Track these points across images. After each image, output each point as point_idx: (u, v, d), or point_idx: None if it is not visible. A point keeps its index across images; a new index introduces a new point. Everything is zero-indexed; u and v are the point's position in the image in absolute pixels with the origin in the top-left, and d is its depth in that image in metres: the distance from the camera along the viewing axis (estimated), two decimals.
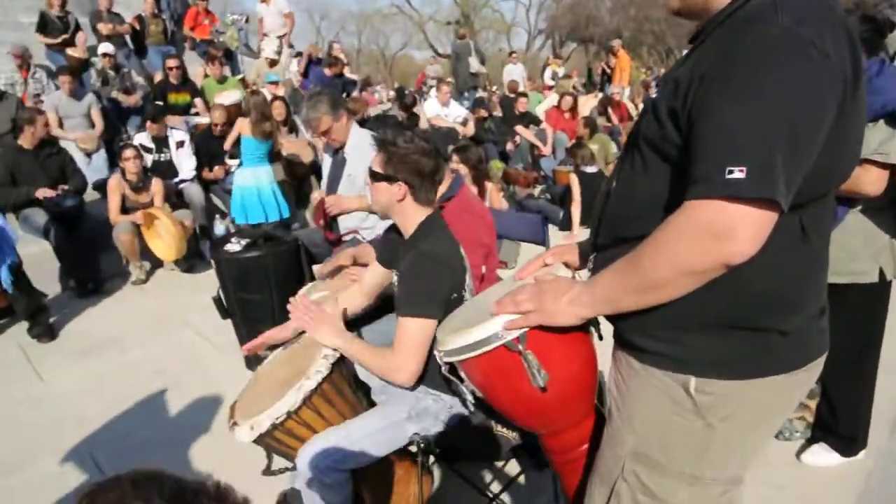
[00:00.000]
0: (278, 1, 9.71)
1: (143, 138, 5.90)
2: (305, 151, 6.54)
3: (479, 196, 4.71)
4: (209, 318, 3.77)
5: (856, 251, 2.18)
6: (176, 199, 5.79)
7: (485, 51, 40.29)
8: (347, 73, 10.69)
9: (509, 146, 8.59)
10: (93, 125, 6.78)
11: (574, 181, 6.27)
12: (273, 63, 8.77)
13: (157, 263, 5.57)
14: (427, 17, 39.77)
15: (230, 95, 6.82)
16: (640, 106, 10.16)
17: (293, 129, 7.05)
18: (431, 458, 2.16)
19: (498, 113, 9.39)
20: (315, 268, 3.63)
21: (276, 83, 8.14)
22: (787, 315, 1.12)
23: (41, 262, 5.05)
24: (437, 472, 2.45)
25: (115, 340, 4.25)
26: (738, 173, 0.94)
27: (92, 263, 5.22)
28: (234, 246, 3.40)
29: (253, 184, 5.60)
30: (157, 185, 5.33)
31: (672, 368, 1.16)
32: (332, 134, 3.26)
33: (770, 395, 1.16)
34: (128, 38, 8.61)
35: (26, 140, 5.01)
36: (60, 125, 6.60)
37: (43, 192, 4.99)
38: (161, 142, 5.91)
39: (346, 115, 3.29)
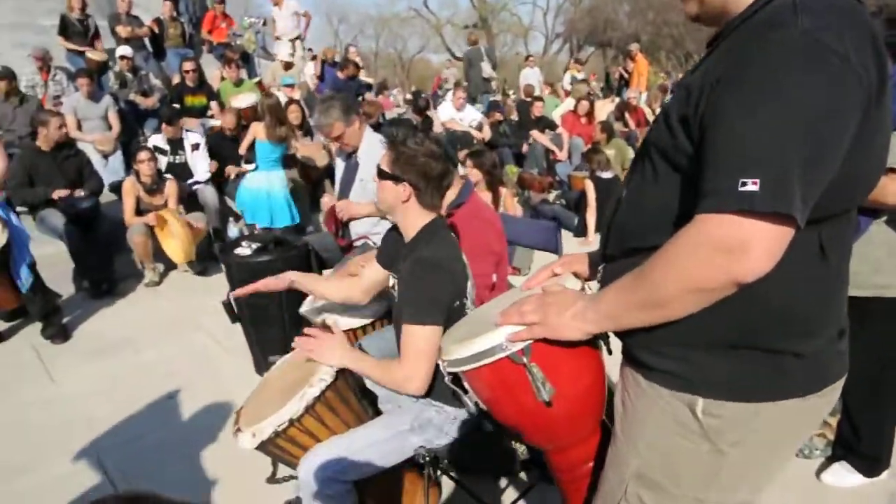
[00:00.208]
0: (290, 3, 9.76)
1: (158, 140, 5.93)
2: (320, 155, 6.54)
3: (493, 201, 4.68)
4: (221, 320, 3.71)
5: (879, 263, 2.10)
6: (189, 200, 5.82)
7: (502, 55, 40.42)
8: (363, 76, 10.71)
9: (524, 148, 8.54)
10: (110, 127, 6.84)
11: (590, 187, 6.20)
12: (288, 66, 8.80)
13: (170, 265, 5.58)
14: (444, 21, 39.83)
15: (246, 98, 6.84)
16: (658, 111, 10.06)
17: (308, 132, 7.06)
18: (439, 471, 2.11)
19: (514, 117, 9.35)
20: (326, 274, 3.61)
21: (291, 86, 8.17)
22: (802, 337, 1.06)
23: (56, 263, 5.08)
24: (444, 485, 2.40)
25: (128, 342, 4.25)
26: (752, 186, 0.89)
27: (106, 265, 5.25)
28: (244, 250, 3.39)
29: (264, 187, 5.60)
30: (171, 187, 5.36)
31: (679, 388, 1.11)
32: (344, 139, 3.24)
33: (784, 421, 1.10)
34: (146, 40, 8.69)
35: (42, 141, 5.06)
36: (79, 127, 6.67)
37: (59, 194, 5.04)
38: (176, 144, 5.93)
39: (359, 120, 3.27)
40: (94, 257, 5.14)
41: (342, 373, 1.88)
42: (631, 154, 8.08)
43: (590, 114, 9.02)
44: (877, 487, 2.43)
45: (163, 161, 5.76)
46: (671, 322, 1.04)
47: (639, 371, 1.18)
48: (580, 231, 6.29)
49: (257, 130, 5.65)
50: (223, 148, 6.28)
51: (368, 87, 10.41)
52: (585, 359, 1.27)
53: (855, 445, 2.41)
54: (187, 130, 6.16)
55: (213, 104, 7.59)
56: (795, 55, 0.90)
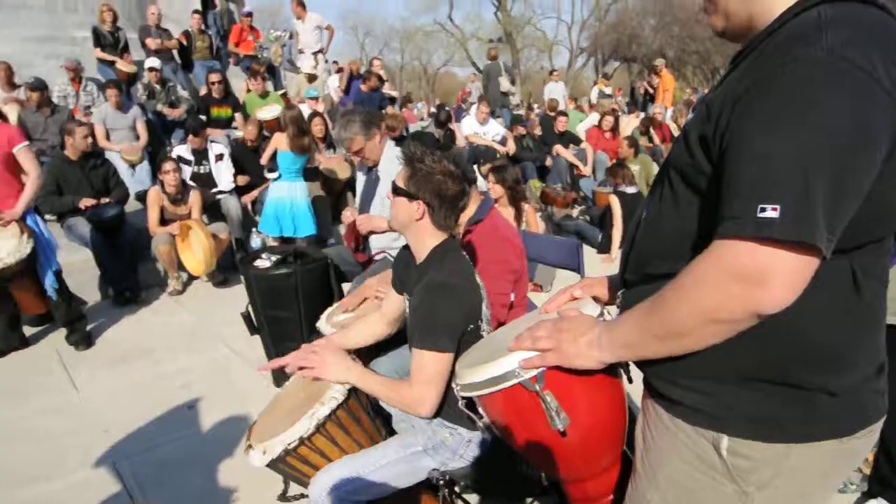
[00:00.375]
0: (314, 17, 9.87)
1: (183, 151, 6.01)
2: (342, 167, 6.56)
3: (515, 217, 4.64)
4: (241, 332, 3.77)
5: None
6: (212, 210, 5.87)
7: (526, 69, 40.50)
8: (387, 88, 10.76)
9: (548, 163, 8.50)
10: (138, 137, 6.95)
11: (614, 202, 6.14)
12: (311, 78, 8.89)
13: (193, 275, 5.63)
14: (469, 35, 40.07)
15: (270, 110, 6.91)
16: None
17: (331, 144, 7.10)
18: (454, 494, 2.07)
19: (537, 131, 9.32)
20: (346, 287, 3.60)
21: (315, 98, 8.23)
22: (835, 373, 1.00)
23: (83, 270, 5.16)
24: None
25: (148, 351, 4.28)
26: (772, 212, 0.84)
27: (130, 273, 5.31)
28: (263, 262, 3.40)
29: (287, 197, 5.64)
30: (194, 196, 5.41)
31: (703, 424, 1.06)
32: (364, 153, 3.24)
33: (816, 464, 1.03)
34: (175, 52, 8.85)
35: (70, 151, 5.16)
36: (107, 137, 6.79)
37: (86, 203, 5.13)
38: (201, 154, 6.00)
39: (380, 134, 3.27)
40: (118, 265, 5.20)
41: (355, 391, 1.86)
42: (656, 170, 7.99)
43: (614, 129, 8.96)
44: None
45: (187, 171, 5.83)
46: (693, 353, 0.99)
47: (660, 403, 1.13)
48: (604, 247, 6.22)
49: (279, 141, 5.70)
50: (245, 159, 6.35)
51: (392, 99, 10.46)
52: (603, 388, 1.23)
53: (892, 480, 2.30)
54: (212, 141, 6.23)
55: (238, 115, 7.68)
56: (819, 74, 0.85)
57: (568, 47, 39.95)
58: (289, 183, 5.70)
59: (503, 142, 8.49)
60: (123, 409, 3.47)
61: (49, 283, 4.13)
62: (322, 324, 2.67)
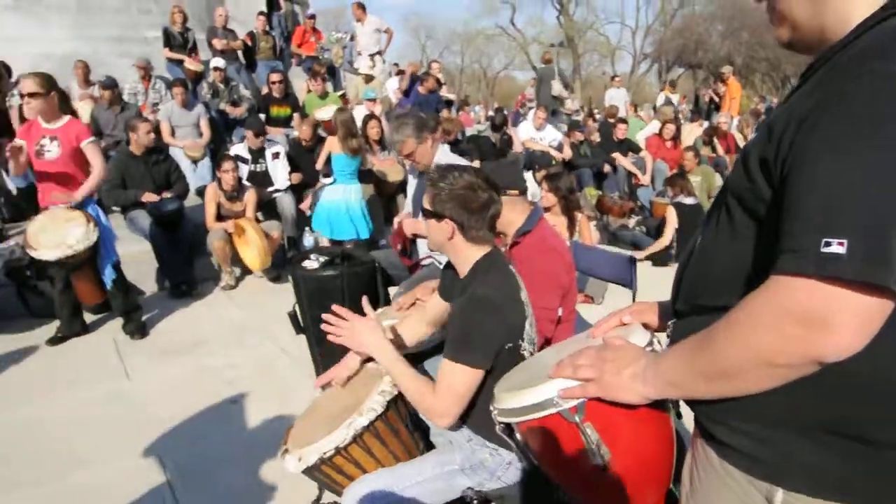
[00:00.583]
0: (373, 20, 10.01)
1: (240, 149, 6.14)
2: (395, 170, 6.58)
3: (567, 227, 4.53)
4: (289, 329, 3.79)
5: None
6: (268, 208, 5.97)
7: (587, 74, 39.96)
8: (447, 91, 10.78)
9: (605, 170, 8.32)
10: (201, 134, 7.15)
11: (671, 213, 5.94)
12: (369, 79, 8.98)
13: (247, 270, 5.74)
14: (531, 39, 39.87)
15: (328, 110, 7.00)
16: (750, 137, 9.59)
17: (387, 147, 7.13)
18: None
19: (595, 138, 9.14)
20: (392, 291, 3.58)
21: (373, 100, 8.30)
22: None
23: (142, 262, 5.33)
24: None
25: (199, 344, 4.37)
26: (837, 247, 0.74)
27: (187, 266, 5.46)
28: (312, 263, 3.41)
29: (342, 199, 5.68)
30: (250, 195, 5.52)
31: (756, 473, 0.96)
32: (415, 157, 3.23)
33: None
34: (240, 53, 9.08)
35: (134, 146, 5.34)
36: (172, 133, 7.01)
37: (148, 197, 5.29)
38: (258, 153, 6.12)
39: (432, 138, 3.24)
40: (176, 258, 5.35)
41: (394, 403, 1.82)
42: (719, 182, 7.70)
43: (676, 137, 8.70)
44: None
45: (244, 169, 5.95)
46: (748, 395, 0.90)
47: (710, 445, 1.04)
48: (661, 259, 6.01)
49: (332, 144, 5.75)
50: (300, 158, 6.44)
51: (449, 103, 10.46)
52: (649, 422, 1.14)
53: None
54: (269, 140, 6.35)
55: (296, 115, 7.82)
56: (894, 96, 0.76)
57: (631, 53, 39.28)
58: (343, 186, 5.75)
59: (560, 148, 8.35)
60: (171, 400, 3.55)
61: (108, 273, 4.27)
62: None
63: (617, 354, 1.07)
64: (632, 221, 7.34)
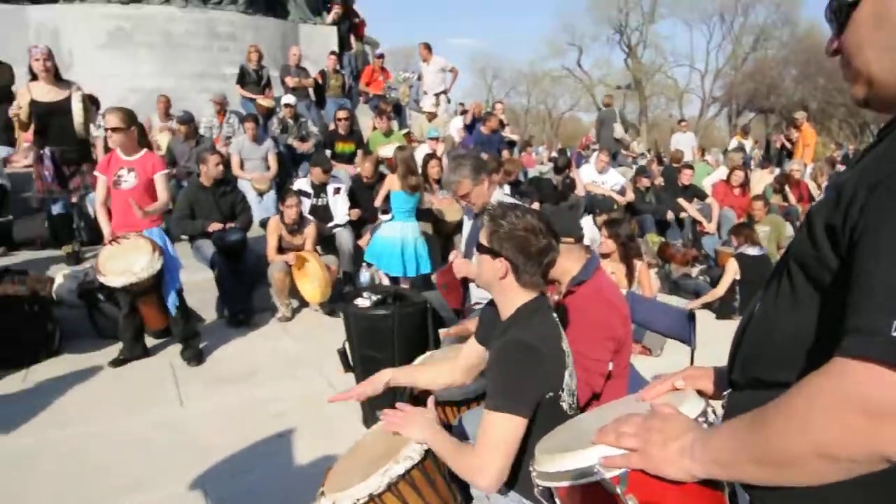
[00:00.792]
0: (438, 60, 10.25)
1: (303, 184, 6.30)
2: (454, 209, 6.60)
3: (626, 275, 4.41)
4: (339, 365, 3.80)
5: None
6: (327, 242, 6.07)
7: (654, 117, 39.56)
8: (510, 132, 10.84)
9: (668, 216, 8.10)
10: (269, 168, 7.40)
11: (731, 264, 5.70)
12: (432, 117, 9.13)
13: (303, 303, 5.82)
14: (597, 81, 39.85)
15: (391, 148, 7.13)
16: (824, 185, 9.18)
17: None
18: None
19: (659, 182, 8.96)
20: (441, 332, 3.54)
21: (436, 139, 8.41)
22: None
23: (204, 290, 5.49)
24: None
25: (252, 374, 4.43)
26: None
27: (246, 296, 5.58)
28: (364, 301, 3.42)
29: (398, 237, 5.72)
30: (311, 228, 5.64)
31: None
32: (471, 197, 3.22)
33: None
34: (310, 90, 9.41)
35: (203, 178, 5.57)
36: (241, 166, 7.29)
37: (213, 227, 5.48)
38: (320, 188, 6.27)
39: (488, 180, 3.23)
40: (236, 288, 5.49)
41: (432, 452, 1.76)
42: (789, 232, 7.39)
43: (744, 185, 8.41)
44: None
45: (307, 203, 6.09)
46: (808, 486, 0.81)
47: None
48: (725, 312, 5.75)
49: (392, 181, 5.83)
50: (361, 194, 6.55)
51: (511, 143, 10.50)
52: (698, 500, 1.04)
53: None
54: (332, 175, 6.50)
55: (360, 152, 8.00)
56: None
57: (700, 96, 38.68)
58: (401, 223, 5.80)
59: (622, 192, 8.21)
60: (220, 429, 3.59)
61: (171, 300, 4.41)
62: None
63: (664, 425, 0.99)
64: (695, 270, 7.09)
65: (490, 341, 1.87)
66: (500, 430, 1.58)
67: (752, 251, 5.77)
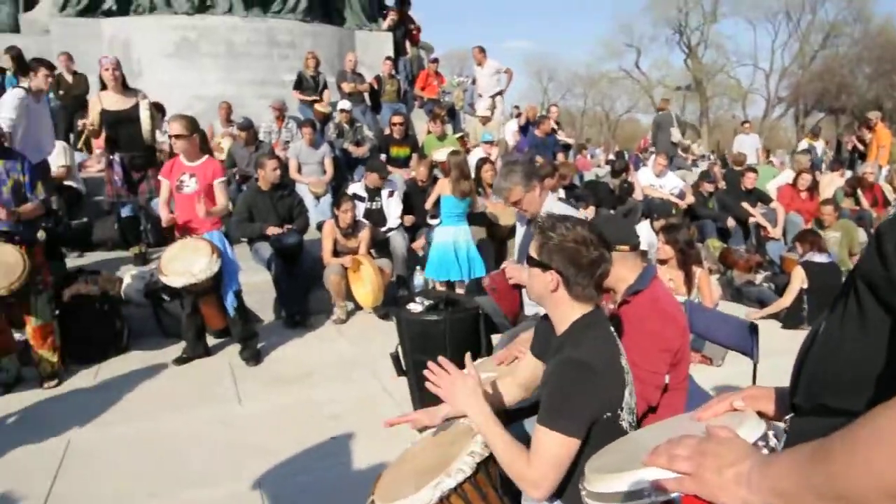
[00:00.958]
0: (492, 63, 10.23)
1: (358, 188, 6.39)
2: (507, 213, 6.56)
3: (684, 282, 4.28)
4: (393, 368, 3.83)
5: None
6: (381, 246, 6.13)
7: (716, 118, 38.38)
8: (565, 135, 10.73)
9: (730, 222, 7.83)
10: (325, 172, 7.54)
11: (797, 273, 5.44)
12: (485, 121, 9.12)
13: (358, 305, 5.89)
14: (656, 82, 38.97)
15: (445, 152, 7.15)
16: None
17: None
18: None
19: (721, 185, 8.68)
20: (496, 339, 3.52)
21: (490, 142, 8.39)
22: None
23: (262, 291, 5.63)
24: None
25: (308, 375, 4.51)
26: None
27: (303, 298, 5.69)
28: (416, 306, 3.44)
29: (450, 241, 5.73)
30: (365, 232, 5.71)
31: None
32: (522, 204, 3.19)
33: None
34: (366, 95, 9.55)
35: (262, 182, 5.72)
36: (299, 170, 7.45)
37: (271, 231, 5.61)
38: (375, 192, 6.34)
39: (540, 186, 3.19)
40: (293, 290, 5.61)
41: (484, 465, 1.74)
42: (862, 237, 7.03)
43: (812, 188, 8.05)
44: None
45: (361, 207, 6.17)
46: None
47: None
48: (792, 321, 5.50)
49: (443, 186, 5.84)
50: (416, 198, 6.60)
51: (566, 146, 10.38)
52: None
53: None
54: (387, 179, 6.56)
55: (414, 156, 8.06)
56: None
57: (764, 96, 37.33)
58: (453, 228, 5.80)
59: (681, 195, 7.99)
60: (276, 429, 3.66)
61: (229, 301, 4.54)
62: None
63: (720, 449, 0.94)
64: (759, 277, 6.82)
65: (546, 355, 1.84)
66: (553, 450, 1.56)
67: (819, 258, 5.51)
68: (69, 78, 8.42)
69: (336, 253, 5.65)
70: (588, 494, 1.19)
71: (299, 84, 8.99)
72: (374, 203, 6.35)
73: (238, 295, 4.62)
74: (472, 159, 8.04)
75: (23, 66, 8.64)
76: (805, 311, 5.40)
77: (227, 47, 9.98)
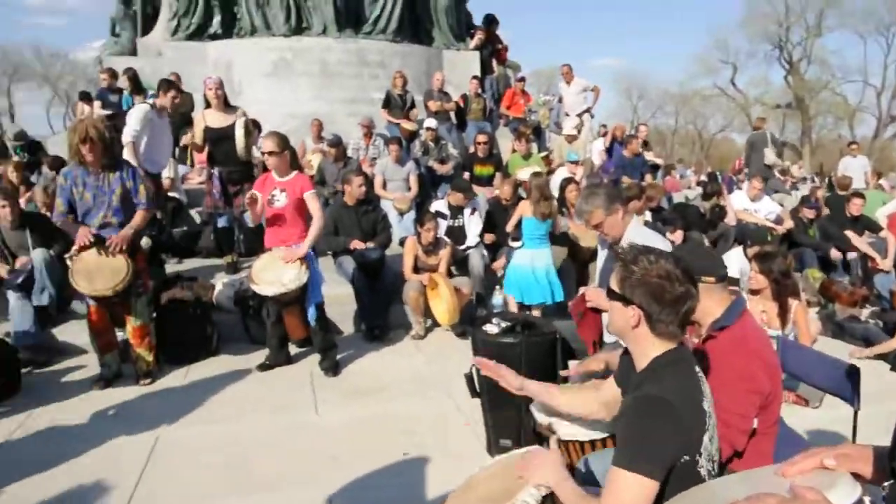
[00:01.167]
0: (580, 81, 10.12)
1: (440, 205, 6.45)
2: (589, 235, 6.42)
3: (778, 314, 4.03)
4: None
5: None
6: (461, 263, 6.15)
7: (819, 138, 36.23)
8: (652, 155, 10.43)
9: (833, 253, 7.31)
10: (409, 188, 7.67)
11: None
12: (572, 139, 9.00)
13: (436, 322, 5.92)
14: (753, 100, 37.23)
15: (529, 171, 7.11)
16: None
17: None
18: None
19: (825, 211, 8.14)
20: (572, 365, 3.43)
21: (575, 162, 8.27)
22: None
23: (344, 304, 5.76)
24: None
25: (384, 389, 4.56)
26: None
27: (382, 312, 5.78)
28: (492, 327, 3.41)
29: (528, 264, 5.67)
30: (446, 251, 5.76)
31: None
32: (603, 228, 3.11)
33: None
34: (452, 113, 9.66)
35: (347, 197, 5.89)
36: (384, 186, 7.62)
37: (355, 245, 5.75)
38: (457, 209, 6.38)
39: (623, 210, 3.10)
40: (374, 304, 5.71)
41: (549, 499, 1.69)
42: None
43: None
44: None
45: (443, 225, 6.22)
46: None
47: None
48: None
49: (524, 207, 5.80)
50: (499, 217, 6.58)
51: (655, 167, 10.07)
52: None
53: None
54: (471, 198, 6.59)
55: (498, 174, 8.06)
56: None
57: (875, 115, 34.85)
58: (532, 251, 5.74)
59: (778, 221, 7.55)
60: (349, 440, 3.72)
61: (312, 312, 4.68)
62: (535, 406, 2.54)
63: None
64: (865, 312, 6.31)
65: (625, 387, 1.78)
66: (629, 493, 1.49)
67: None
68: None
69: (416, 269, 5.72)
70: None
71: (387, 103, 9.22)
72: (456, 221, 6.39)
73: (320, 307, 4.75)
74: (557, 179, 7.96)
75: (138, 85, 9.38)
76: None
77: (320, 67, 10.40)
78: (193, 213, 7.54)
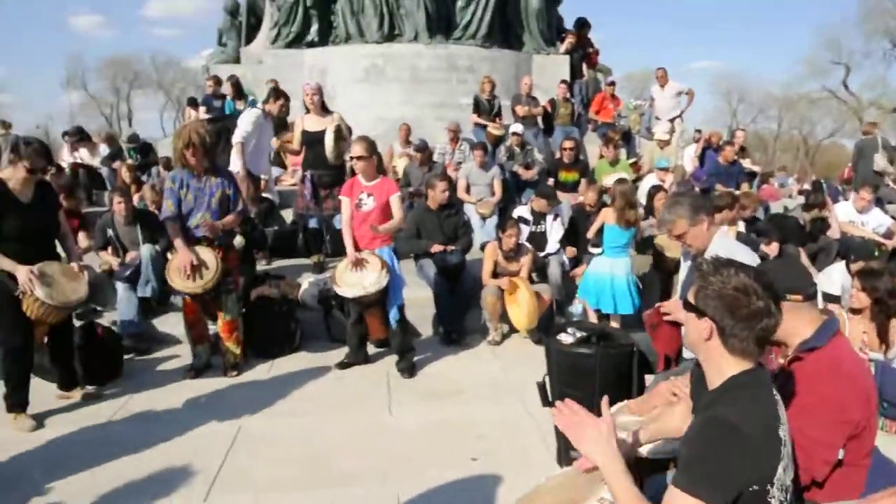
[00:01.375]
0: (674, 84, 9.81)
1: (523, 211, 6.42)
2: (675, 245, 6.18)
3: (878, 335, 3.74)
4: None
5: None
6: (542, 270, 6.09)
7: None
8: (748, 163, 9.92)
9: None
10: (493, 193, 7.68)
11: None
12: (664, 145, 8.72)
13: (514, 328, 5.89)
14: (867, 103, 34.58)
15: (615, 178, 6.95)
16: None
17: None
18: None
19: None
20: (649, 379, 3.33)
21: (665, 169, 8.00)
22: None
23: (423, 307, 5.83)
24: None
25: (458, 393, 4.59)
26: None
27: (461, 316, 5.83)
28: (567, 337, 3.36)
29: (608, 273, 5.53)
30: (527, 257, 5.72)
31: None
32: (686, 239, 3.00)
33: None
34: (539, 118, 9.59)
35: (430, 201, 5.98)
36: (468, 190, 7.67)
37: (436, 248, 5.83)
38: (540, 216, 6.33)
39: (708, 221, 2.97)
40: (453, 308, 5.76)
41: None
42: None
43: None
44: None
45: (526, 230, 6.19)
46: None
47: None
48: None
49: (607, 214, 5.66)
50: (582, 223, 6.46)
51: (752, 174, 9.58)
52: None
53: None
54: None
55: (584, 180, 7.92)
56: None
57: None
58: (611, 259, 5.58)
59: (888, 235, 6.99)
60: (422, 442, 3.77)
61: (392, 314, 4.78)
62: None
63: None
64: None
65: (696, 405, 1.71)
66: None
67: None
68: None
69: (496, 275, 5.71)
70: None
71: (476, 107, 9.29)
72: (539, 227, 6.34)
73: (401, 309, 4.84)
74: (645, 186, 7.73)
75: (240, 91, 9.94)
76: None
77: (411, 72, 10.62)
78: (285, 213, 7.87)
